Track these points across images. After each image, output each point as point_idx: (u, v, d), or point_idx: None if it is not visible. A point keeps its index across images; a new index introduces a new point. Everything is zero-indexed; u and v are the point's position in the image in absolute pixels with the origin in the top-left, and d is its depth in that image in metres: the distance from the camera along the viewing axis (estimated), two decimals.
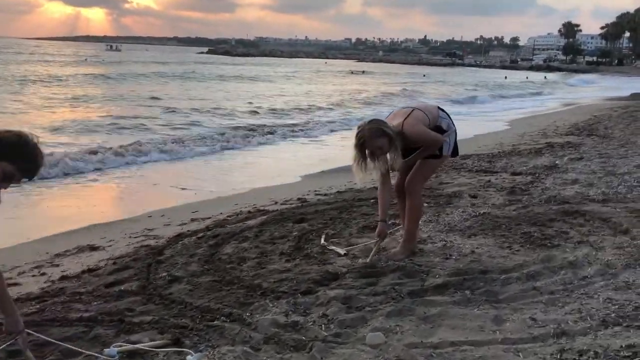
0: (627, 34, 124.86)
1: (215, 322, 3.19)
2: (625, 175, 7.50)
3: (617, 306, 3.21)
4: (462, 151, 11.12)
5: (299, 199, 7.08)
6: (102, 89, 25.90)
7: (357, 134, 4.13)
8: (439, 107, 4.63)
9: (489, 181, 7.62)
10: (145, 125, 14.78)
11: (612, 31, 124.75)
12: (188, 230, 5.60)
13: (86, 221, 6.35)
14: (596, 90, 42.06)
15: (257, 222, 5.78)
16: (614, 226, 5.08)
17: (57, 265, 4.69)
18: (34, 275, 4.39)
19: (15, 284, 4.14)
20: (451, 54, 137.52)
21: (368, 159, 4.14)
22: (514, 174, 8.15)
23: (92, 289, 3.93)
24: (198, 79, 37.17)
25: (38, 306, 3.57)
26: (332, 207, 6.33)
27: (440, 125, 4.42)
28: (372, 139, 4.05)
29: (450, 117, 4.58)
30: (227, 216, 6.28)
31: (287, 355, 2.81)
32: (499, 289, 3.58)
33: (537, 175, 7.91)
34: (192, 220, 6.23)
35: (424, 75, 59.85)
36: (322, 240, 4.83)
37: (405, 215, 4.55)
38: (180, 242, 5.10)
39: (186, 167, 10.17)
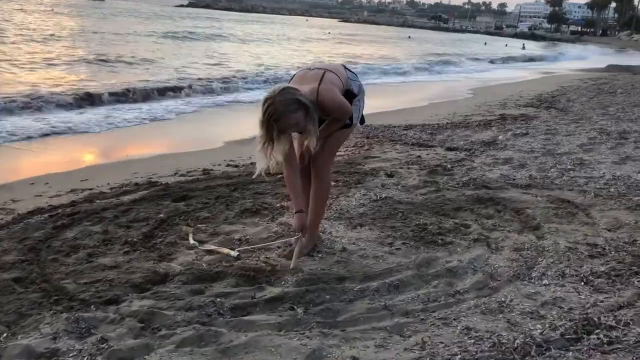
0: (613, 4, 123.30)
1: None
2: (563, 155, 6.78)
3: (473, 341, 2.50)
4: (411, 120, 10.50)
5: (204, 169, 6.30)
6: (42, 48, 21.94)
7: (266, 108, 3.11)
8: (344, 66, 3.70)
9: (419, 157, 6.87)
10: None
11: (598, 0, 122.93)
12: (49, 205, 4.79)
13: None
14: (575, 61, 40.92)
15: (132, 197, 5.00)
16: (525, 219, 4.37)
17: None
18: None
19: None
20: (436, 17, 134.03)
21: (275, 140, 3.18)
22: (449, 149, 7.41)
23: None
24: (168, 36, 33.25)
25: None
26: (230, 182, 5.55)
27: (351, 89, 3.55)
28: (286, 115, 3.11)
29: (358, 78, 3.70)
30: (110, 188, 5.49)
31: None
32: (343, 307, 2.84)
33: (472, 151, 7.18)
34: (71, 191, 5.41)
35: (409, 37, 58.09)
36: (191, 240, 3.83)
37: (311, 198, 3.69)
38: (26, 221, 4.29)
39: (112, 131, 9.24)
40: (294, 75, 3.62)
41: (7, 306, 2.84)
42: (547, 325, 2.61)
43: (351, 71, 3.69)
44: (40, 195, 5.26)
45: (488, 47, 47.76)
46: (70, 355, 2.37)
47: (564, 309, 2.81)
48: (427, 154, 7.08)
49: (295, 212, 3.50)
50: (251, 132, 8.54)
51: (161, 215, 4.42)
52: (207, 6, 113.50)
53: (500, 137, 8.13)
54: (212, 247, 3.71)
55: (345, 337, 2.54)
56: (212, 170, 6.29)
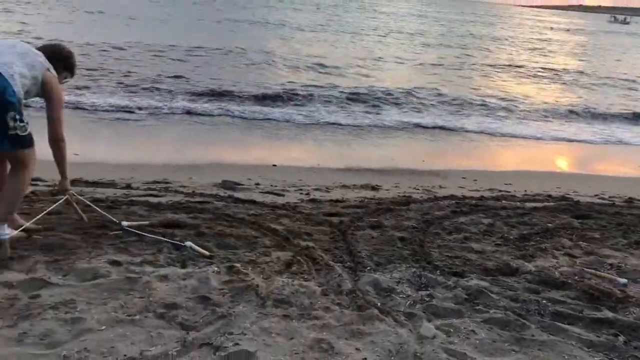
0: None
1: (331, 263, 3.30)
2: None
3: None
4: None
5: (629, 198, 5.93)
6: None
7: None
8: None
9: None
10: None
11: None
12: (462, 195, 5.49)
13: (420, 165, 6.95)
14: None
15: (535, 205, 5.22)
16: None
17: (327, 191, 5.38)
18: (300, 193, 5.19)
19: (281, 195, 5.05)
20: None
21: None
22: None
23: (315, 212, 4.45)
24: None
25: (260, 210, 4.33)
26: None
27: None
28: None
29: None
30: (524, 194, 5.82)
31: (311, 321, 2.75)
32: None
33: None
34: (489, 189, 6.01)
35: None
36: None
37: None
38: (437, 202, 5.10)
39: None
40: None
41: (384, 253, 3.60)
42: None
43: None
44: (462, 187, 6.01)
45: None
46: (400, 295, 2.92)
47: None
48: None
49: None
50: None
51: (549, 224, 4.51)
52: None
53: None
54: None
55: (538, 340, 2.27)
56: (638, 200, 5.85)
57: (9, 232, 2.97)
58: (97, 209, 3.69)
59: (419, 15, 55.50)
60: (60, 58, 3.28)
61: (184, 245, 3.33)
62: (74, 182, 4.70)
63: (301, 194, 5.16)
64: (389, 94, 11.81)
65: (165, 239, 3.41)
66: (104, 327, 2.34)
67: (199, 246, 3.36)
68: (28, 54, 3.07)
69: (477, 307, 2.85)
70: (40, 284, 2.68)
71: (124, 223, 3.54)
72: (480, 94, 13.25)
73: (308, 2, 56.13)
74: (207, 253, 3.32)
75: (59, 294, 2.59)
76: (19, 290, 2.61)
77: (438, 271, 3.31)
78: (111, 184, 4.84)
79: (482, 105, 11.76)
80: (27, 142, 3.02)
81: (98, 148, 6.54)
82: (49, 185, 4.56)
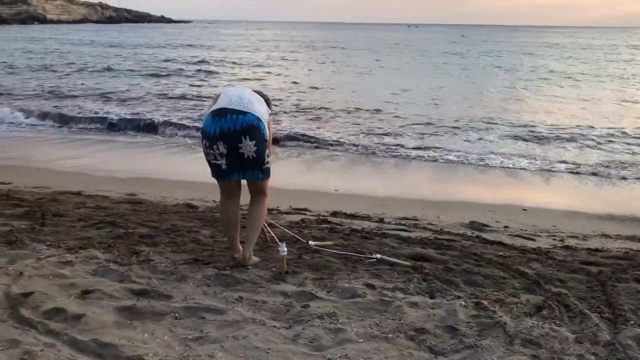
0: None
1: (587, 312, 3.14)
2: None
3: None
4: None
5: None
6: None
7: None
8: None
9: None
10: None
11: None
12: None
13: None
14: None
15: None
16: None
17: (584, 239, 5.09)
18: (553, 239, 5.00)
19: (532, 239, 4.94)
20: None
21: None
22: None
23: (569, 260, 4.26)
24: None
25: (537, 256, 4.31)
26: None
27: None
28: None
29: None
30: None
31: None
32: None
33: None
34: None
35: None
36: None
37: None
38: None
39: None
40: None
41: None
42: None
43: None
44: None
45: None
46: None
47: None
48: None
49: None
50: None
51: None
52: None
53: None
54: None
55: None
56: None
57: (286, 250, 3.52)
58: (288, 231, 4.34)
59: None
60: (266, 99, 3.84)
61: (376, 258, 3.81)
62: (336, 214, 5.31)
63: (554, 239, 4.98)
64: None
65: (355, 254, 3.91)
66: (361, 340, 2.64)
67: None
68: (262, 103, 3.70)
69: None
70: (309, 296, 3.13)
71: (311, 242, 4.07)
72: None
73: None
74: (406, 263, 3.72)
75: (324, 307, 3.00)
76: (293, 299, 3.09)
77: None
78: (366, 217, 5.30)
79: None
80: (270, 173, 3.65)
81: (355, 183, 7.20)
82: (314, 215, 5.22)
